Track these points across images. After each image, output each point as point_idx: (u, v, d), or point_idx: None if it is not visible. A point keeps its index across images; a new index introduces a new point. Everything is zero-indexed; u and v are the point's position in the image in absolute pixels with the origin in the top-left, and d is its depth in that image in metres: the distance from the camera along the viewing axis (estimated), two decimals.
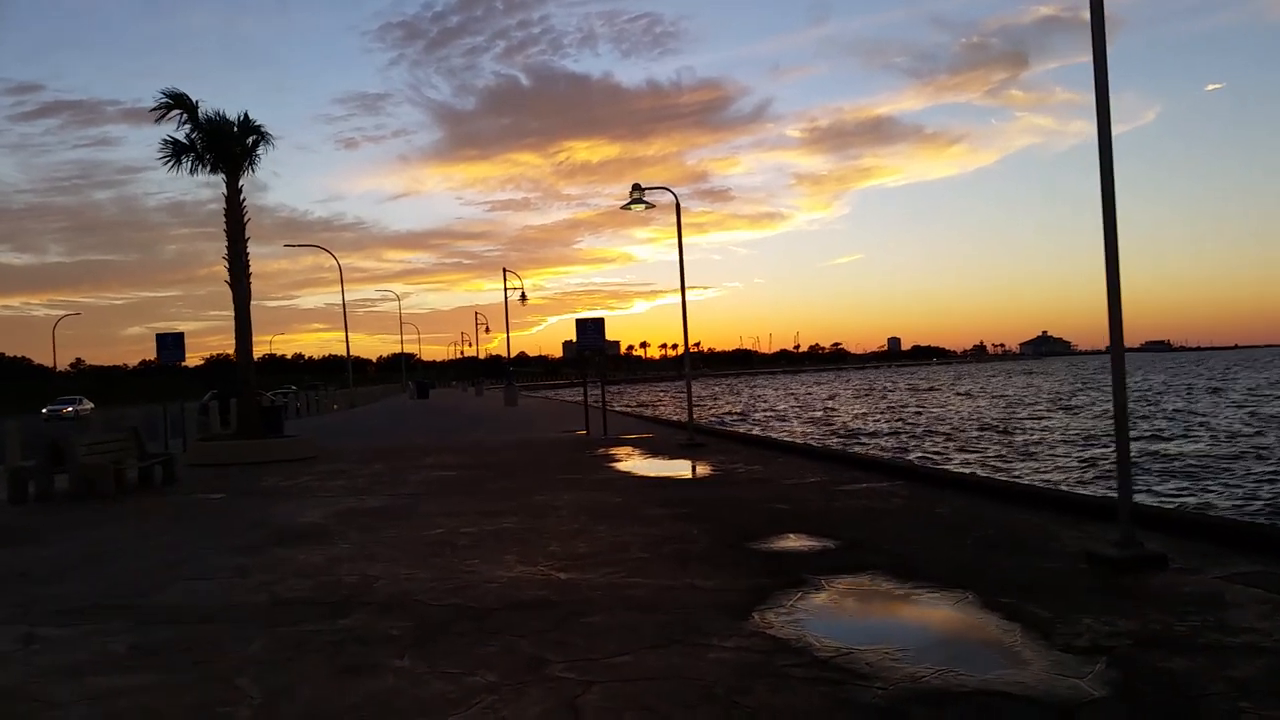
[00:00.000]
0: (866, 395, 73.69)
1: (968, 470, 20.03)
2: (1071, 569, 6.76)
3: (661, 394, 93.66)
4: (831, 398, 71.64)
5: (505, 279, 43.60)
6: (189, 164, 19.43)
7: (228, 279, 19.40)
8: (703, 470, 14.00)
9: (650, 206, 17.94)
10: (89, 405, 60.52)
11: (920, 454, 26.65)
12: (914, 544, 7.87)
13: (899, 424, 40.18)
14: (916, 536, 8.19)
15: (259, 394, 37.23)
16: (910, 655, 4.94)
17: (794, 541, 8.20)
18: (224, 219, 19.42)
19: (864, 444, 30.61)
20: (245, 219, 19.53)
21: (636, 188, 17.69)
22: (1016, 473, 21.27)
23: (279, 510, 11.27)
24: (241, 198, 19.51)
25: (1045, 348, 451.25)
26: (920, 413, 47.51)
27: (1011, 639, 5.21)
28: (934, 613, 5.84)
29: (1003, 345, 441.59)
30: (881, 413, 49.37)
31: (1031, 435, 32.41)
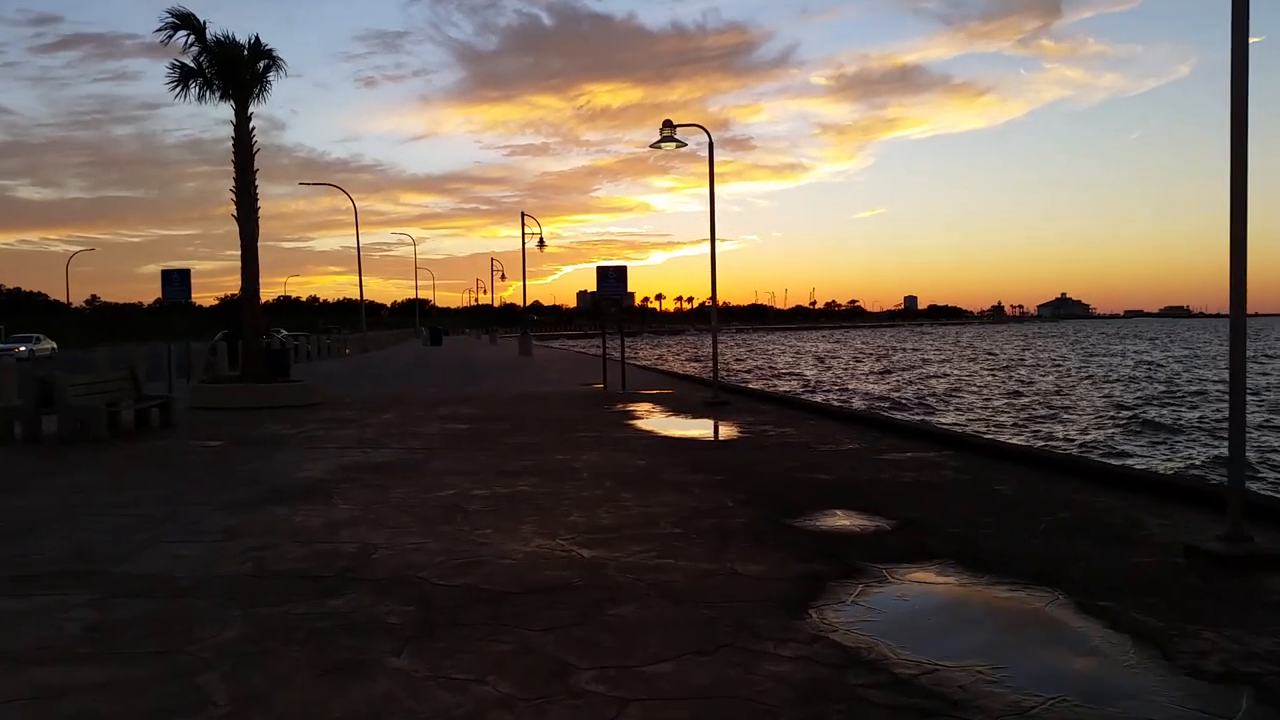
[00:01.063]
0: (885, 357, 72.64)
1: (1011, 439, 19.17)
2: (1168, 565, 5.91)
3: (678, 347, 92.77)
4: (856, 361, 70.66)
5: (523, 223, 42.57)
6: (196, 89, 18.49)
7: (234, 213, 18.53)
8: (730, 432, 13.16)
9: (682, 145, 16.90)
10: (49, 344, 52.63)
11: (952, 422, 25.76)
12: (979, 527, 7.03)
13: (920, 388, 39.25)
14: (980, 518, 7.35)
15: (268, 334, 36.55)
16: (1009, 677, 4.10)
17: (842, 519, 7.37)
18: (232, 150, 18.50)
19: (886, 407, 29.72)
20: (255, 149, 18.62)
21: (668, 124, 16.64)
22: (1065, 444, 20.38)
23: (279, 462, 10.51)
24: (251, 127, 18.58)
25: (1063, 310, 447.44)
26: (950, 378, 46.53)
27: (1125, 656, 4.37)
28: (1023, 618, 5.00)
29: (1021, 307, 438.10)
30: (898, 374, 48.42)
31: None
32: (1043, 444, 18.90)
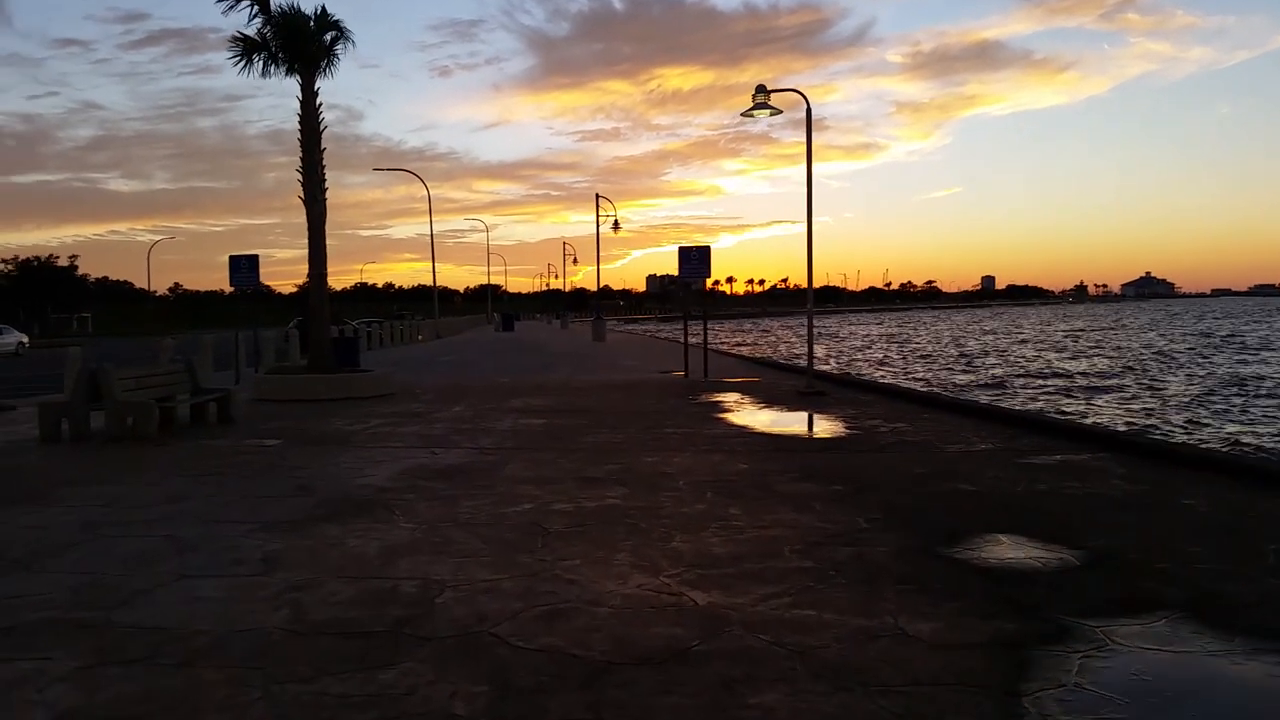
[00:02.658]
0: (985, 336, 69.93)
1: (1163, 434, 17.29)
2: None
3: (755, 332, 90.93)
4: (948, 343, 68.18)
5: (598, 205, 41.36)
6: (260, 63, 17.53)
7: (301, 195, 17.58)
8: (835, 428, 11.72)
9: (776, 112, 15.41)
10: (16, 338, 44.22)
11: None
12: (1194, 561, 5.54)
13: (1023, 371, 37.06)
14: (1187, 547, 5.85)
15: (341, 322, 35.95)
16: None
17: (1011, 548, 5.93)
18: (298, 127, 17.53)
19: (993, 393, 27.82)
20: (322, 127, 17.61)
21: (761, 90, 15.16)
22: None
23: (338, 466, 9.41)
24: (319, 103, 17.56)
25: (1148, 289, 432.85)
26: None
27: None
28: None
29: (1105, 285, 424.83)
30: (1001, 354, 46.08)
31: None
32: (1223, 445, 16.99)
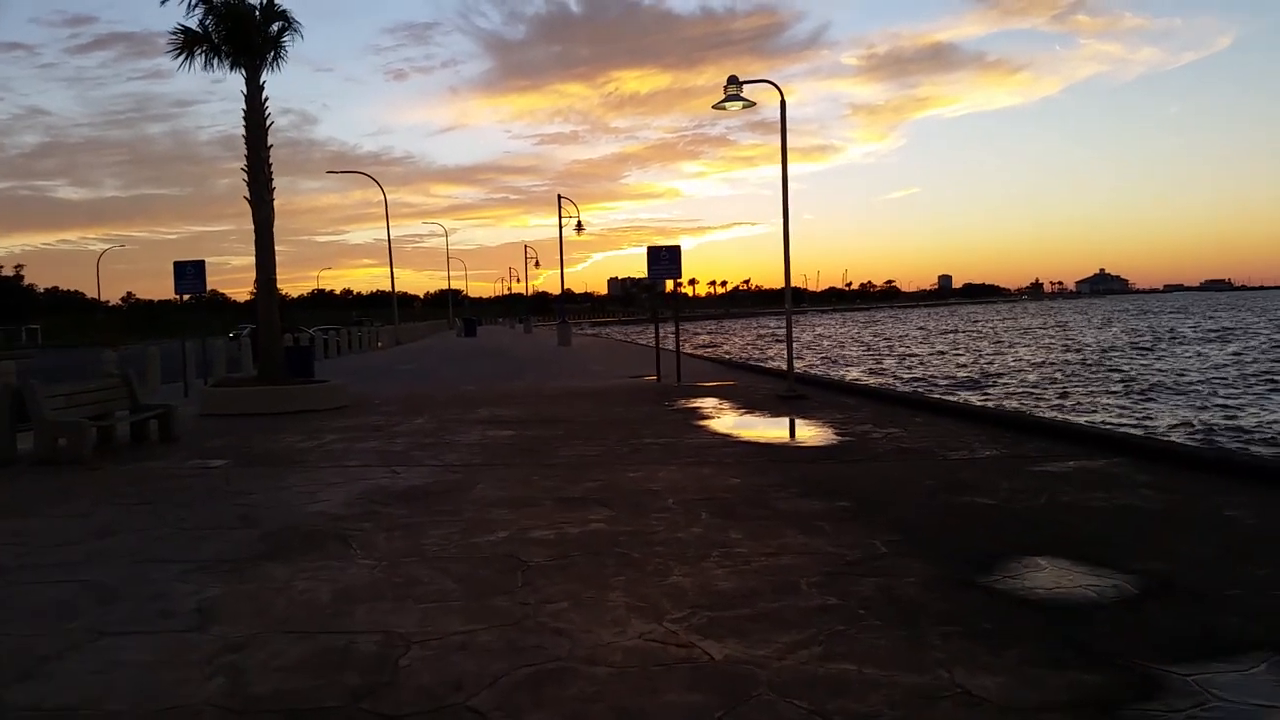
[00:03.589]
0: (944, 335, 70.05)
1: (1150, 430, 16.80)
2: None
3: (718, 332, 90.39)
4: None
5: (560, 207, 40.48)
6: (203, 57, 16.53)
7: (247, 195, 16.59)
8: (826, 434, 11.03)
9: (750, 105, 14.70)
10: None
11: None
12: (1266, 587, 4.88)
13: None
14: (1249, 569, 5.20)
15: (295, 330, 34.75)
16: None
17: (1055, 574, 5.25)
18: (243, 125, 16.54)
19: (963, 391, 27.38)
20: (269, 124, 16.64)
21: (733, 80, 14.44)
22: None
23: (288, 489, 8.53)
24: (264, 98, 16.58)
25: (1102, 285, 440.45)
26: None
27: None
28: None
29: (1060, 283, 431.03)
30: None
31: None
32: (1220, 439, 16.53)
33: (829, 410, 13.26)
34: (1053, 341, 55.49)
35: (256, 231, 16.53)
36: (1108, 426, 15.97)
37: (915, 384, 29.80)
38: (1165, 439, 12.79)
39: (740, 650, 4.20)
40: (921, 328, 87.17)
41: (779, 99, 14.72)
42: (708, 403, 14.88)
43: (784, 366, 26.73)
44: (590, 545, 6.10)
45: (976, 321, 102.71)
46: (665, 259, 18.78)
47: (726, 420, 12.66)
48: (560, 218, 40.38)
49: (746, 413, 13.45)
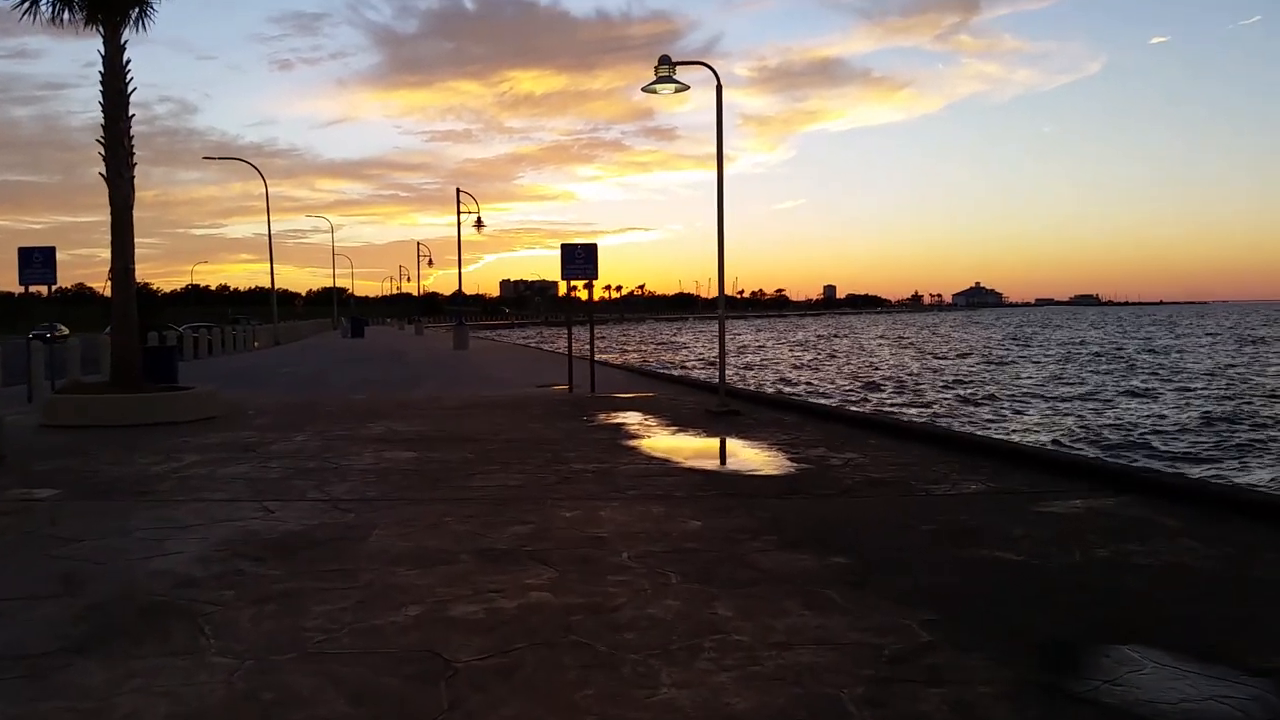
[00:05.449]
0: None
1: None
2: None
3: (623, 338, 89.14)
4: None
5: (459, 201, 38.41)
6: (50, 7, 14.27)
7: (102, 171, 14.38)
8: (778, 460, 9.69)
9: (684, 88, 13.31)
10: None
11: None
12: None
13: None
14: None
15: (163, 329, 31.86)
16: None
17: (1159, 672, 3.96)
18: (100, 89, 14.32)
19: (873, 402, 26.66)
20: (130, 89, 14.46)
21: (665, 60, 13.02)
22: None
23: (128, 535, 6.68)
24: (125, 60, 14.42)
25: (977, 298, 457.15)
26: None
27: None
28: None
29: (939, 295, 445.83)
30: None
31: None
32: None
33: (770, 429, 11.95)
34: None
35: (113, 213, 14.33)
36: (1085, 453, 15.04)
37: (836, 394, 29.05)
38: (1168, 471, 11.87)
39: None
40: (821, 335, 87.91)
41: (716, 83, 13.35)
42: (631, 418, 13.41)
43: (701, 376, 25.57)
44: (536, 631, 4.54)
45: (860, 330, 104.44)
46: (581, 258, 17.28)
47: (659, 440, 11.21)
48: (459, 214, 38.36)
49: (679, 431, 12.03)
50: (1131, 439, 20.05)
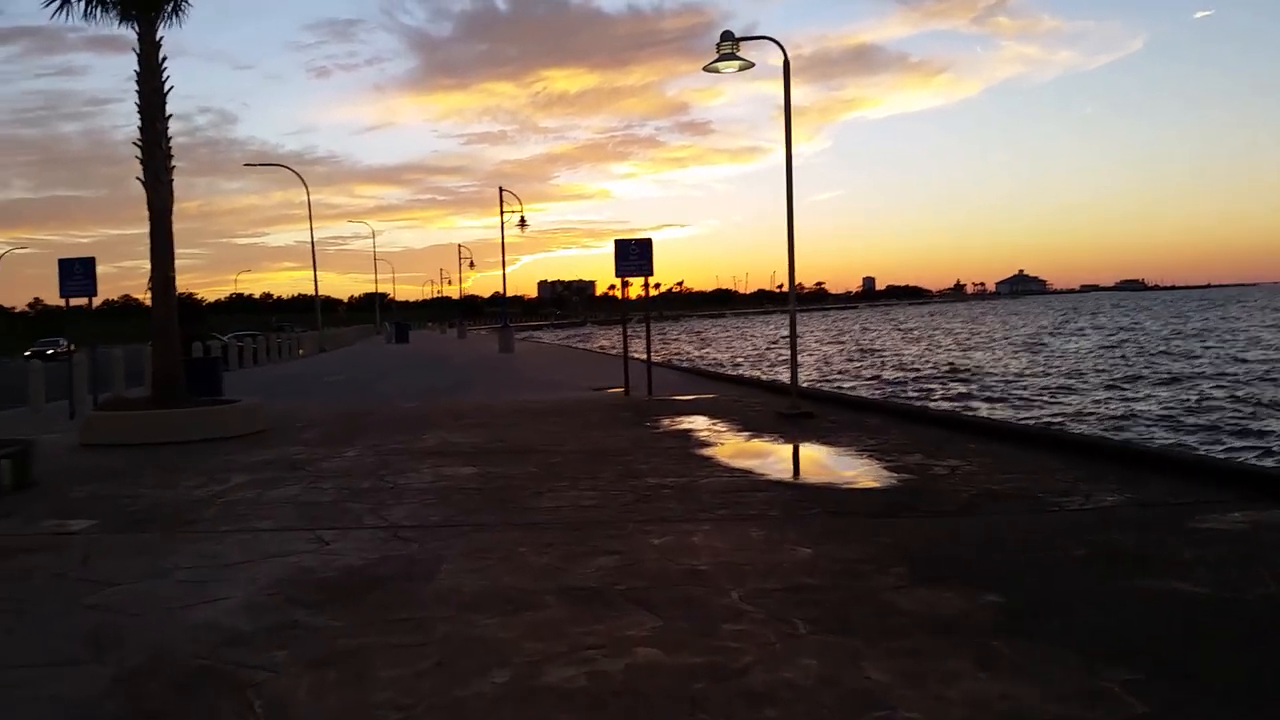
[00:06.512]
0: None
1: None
2: None
3: (658, 336, 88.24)
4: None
5: (501, 201, 37.81)
6: (82, 4, 13.72)
7: (140, 176, 13.80)
8: (873, 470, 8.79)
9: (748, 65, 12.41)
10: None
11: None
12: None
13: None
14: None
15: (207, 338, 31.53)
16: None
17: None
18: (136, 89, 13.74)
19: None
20: (167, 88, 13.87)
21: (728, 36, 12.13)
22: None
23: (166, 579, 5.94)
24: (161, 57, 13.81)
25: (1021, 286, 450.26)
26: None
27: None
28: None
29: (982, 284, 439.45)
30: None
31: None
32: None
33: (852, 433, 11.04)
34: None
35: (151, 218, 13.74)
36: (1225, 457, 13.70)
37: (898, 386, 27.97)
38: None
39: None
40: (880, 327, 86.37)
41: (784, 57, 12.43)
42: (698, 423, 12.56)
43: (759, 375, 24.60)
44: (654, 706, 3.71)
45: (918, 323, 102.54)
46: (635, 254, 16.46)
47: (734, 448, 10.35)
48: (502, 214, 37.72)
49: (753, 437, 11.16)
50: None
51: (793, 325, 13.66)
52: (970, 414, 17.33)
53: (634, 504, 7.55)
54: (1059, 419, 20.80)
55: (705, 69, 12.41)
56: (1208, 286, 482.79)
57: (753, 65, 12.34)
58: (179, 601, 5.33)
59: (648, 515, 7.10)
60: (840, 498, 7.65)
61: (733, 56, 12.18)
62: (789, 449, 10.31)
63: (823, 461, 9.49)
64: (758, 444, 10.67)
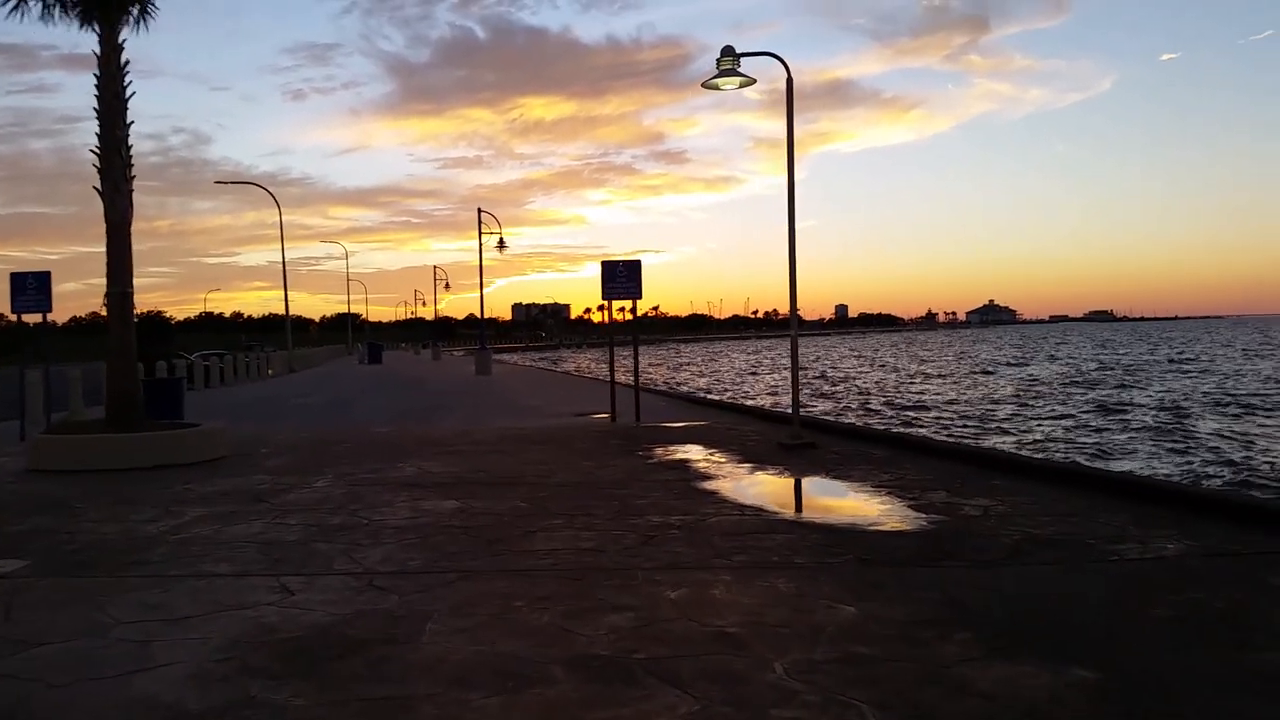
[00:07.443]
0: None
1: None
2: None
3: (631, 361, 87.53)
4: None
5: (480, 222, 37.03)
6: (38, 6, 12.87)
7: (97, 186, 12.91)
8: (895, 508, 8.04)
9: (749, 82, 11.74)
10: None
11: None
12: None
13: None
14: None
15: (173, 357, 30.43)
16: None
17: None
18: (95, 94, 12.89)
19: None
20: (128, 93, 13.03)
21: (728, 52, 11.46)
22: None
23: (103, 638, 5.07)
24: (123, 60, 12.99)
25: (991, 316, 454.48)
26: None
27: None
28: None
29: (953, 314, 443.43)
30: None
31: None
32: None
33: (862, 466, 10.31)
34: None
35: (109, 230, 12.85)
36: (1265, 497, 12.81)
37: (889, 419, 27.34)
38: None
39: None
40: (853, 352, 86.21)
41: (786, 75, 11.79)
42: (694, 452, 11.79)
43: (756, 402, 23.86)
44: None
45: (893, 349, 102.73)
46: (623, 276, 15.73)
47: (739, 482, 9.58)
48: (480, 236, 36.93)
49: (756, 469, 10.40)
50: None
51: (794, 351, 12.93)
52: (988, 447, 16.66)
53: (638, 546, 6.76)
54: (1060, 447, 20.25)
55: (704, 85, 11.72)
56: (1175, 319, 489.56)
57: (754, 81, 11.67)
58: (114, 668, 4.46)
59: (656, 561, 6.31)
60: (870, 542, 6.88)
61: (733, 72, 11.50)
62: (792, 481, 9.56)
63: (839, 498, 8.74)
64: (763, 477, 9.91)
